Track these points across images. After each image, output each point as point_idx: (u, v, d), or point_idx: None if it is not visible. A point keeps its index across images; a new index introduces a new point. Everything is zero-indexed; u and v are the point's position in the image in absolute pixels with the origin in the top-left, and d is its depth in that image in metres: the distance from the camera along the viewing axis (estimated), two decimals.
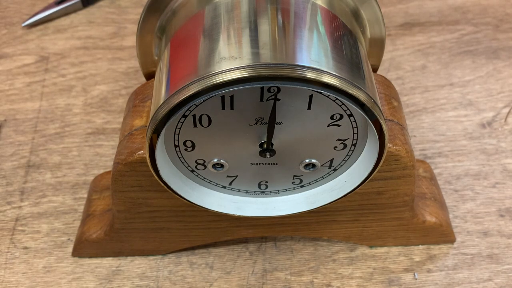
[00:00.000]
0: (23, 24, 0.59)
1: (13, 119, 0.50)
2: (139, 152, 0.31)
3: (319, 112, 0.28)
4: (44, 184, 0.45)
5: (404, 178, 0.34)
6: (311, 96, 0.27)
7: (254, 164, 0.32)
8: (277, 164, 0.32)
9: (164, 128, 0.27)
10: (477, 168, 0.46)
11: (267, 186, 0.34)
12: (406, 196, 0.35)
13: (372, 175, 0.31)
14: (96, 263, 0.40)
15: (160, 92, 0.28)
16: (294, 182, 0.33)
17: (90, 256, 0.40)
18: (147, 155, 0.29)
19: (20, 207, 0.43)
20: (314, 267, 0.40)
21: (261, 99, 0.27)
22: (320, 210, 0.35)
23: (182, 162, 0.31)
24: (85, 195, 0.44)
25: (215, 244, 0.41)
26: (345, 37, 0.29)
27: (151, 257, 0.40)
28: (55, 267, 0.40)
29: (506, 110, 0.50)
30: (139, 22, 0.34)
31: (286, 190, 0.34)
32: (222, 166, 0.31)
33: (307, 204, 0.34)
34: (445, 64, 0.54)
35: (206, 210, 0.33)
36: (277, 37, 0.27)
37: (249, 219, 0.36)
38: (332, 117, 0.29)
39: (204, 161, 0.31)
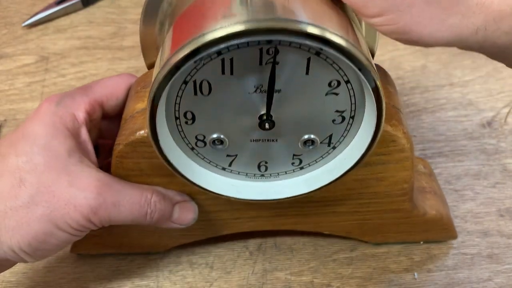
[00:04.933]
0: (23, 24, 0.59)
1: (13, 119, 0.50)
2: (139, 132, 0.31)
3: (317, 78, 0.29)
4: None
5: (402, 163, 0.34)
6: (309, 60, 0.28)
7: (253, 140, 0.32)
8: (276, 140, 0.32)
9: (166, 92, 0.27)
10: (477, 168, 0.46)
11: (266, 168, 0.34)
12: (405, 183, 0.35)
13: (371, 149, 0.31)
14: (96, 263, 0.40)
15: (162, 60, 0.28)
16: (294, 163, 0.33)
17: (89, 253, 0.40)
18: (147, 124, 0.29)
19: None
20: (314, 267, 0.40)
21: (260, 63, 0.28)
22: (320, 200, 0.35)
23: (183, 138, 0.31)
24: None
25: (215, 244, 0.41)
26: (342, 10, 0.30)
27: (151, 257, 0.40)
28: (55, 267, 0.40)
29: (506, 110, 0.50)
30: (142, 11, 0.34)
31: (286, 173, 0.34)
32: (221, 142, 0.31)
33: (306, 186, 0.34)
34: (445, 64, 0.54)
35: (206, 192, 0.33)
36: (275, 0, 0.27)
37: (249, 209, 0.36)
38: (330, 84, 0.29)
39: (204, 137, 0.31)
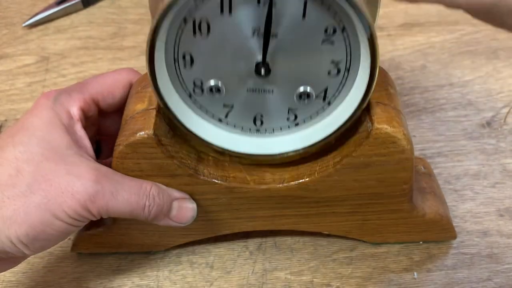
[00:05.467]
0: (24, 24, 0.59)
1: (14, 119, 0.50)
2: (140, 133, 0.32)
3: (313, 24, 0.29)
4: None
5: (402, 164, 0.34)
6: (305, 2, 0.28)
7: (250, 90, 0.32)
8: (272, 92, 0.32)
9: (165, 30, 0.28)
10: (476, 168, 0.46)
11: (262, 122, 0.34)
12: (404, 184, 0.35)
13: (363, 105, 0.31)
14: (96, 263, 0.40)
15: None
16: (289, 118, 0.34)
17: (89, 252, 0.40)
18: (146, 64, 0.29)
19: None
20: (314, 267, 0.40)
21: (258, 1, 0.28)
22: (320, 200, 0.36)
23: (181, 83, 0.32)
24: None
25: (215, 244, 0.41)
26: None
27: (152, 257, 0.40)
28: (55, 267, 0.40)
29: (505, 110, 0.50)
30: None
31: (281, 129, 0.35)
32: (218, 90, 0.32)
33: (301, 142, 0.35)
34: (444, 64, 0.54)
35: (206, 192, 0.34)
36: None
37: (248, 209, 0.36)
38: (326, 31, 0.29)
39: (202, 83, 0.32)
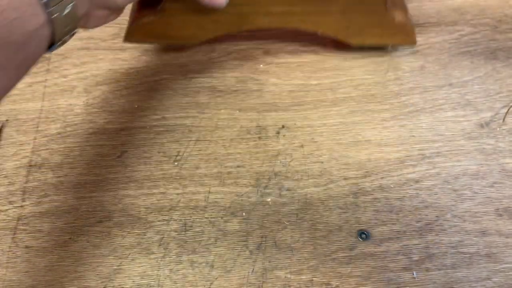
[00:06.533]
0: None
1: (15, 119, 0.50)
2: None
3: None
4: (45, 183, 0.45)
5: None
6: None
7: None
8: None
9: None
10: (475, 168, 0.46)
11: None
12: None
13: None
14: (97, 262, 0.40)
15: None
16: None
17: (140, 42, 0.52)
18: None
19: (22, 206, 0.44)
20: (313, 266, 0.40)
21: None
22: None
23: None
24: (87, 195, 0.44)
25: (215, 243, 0.41)
26: None
27: (152, 256, 0.41)
28: (56, 266, 0.40)
29: (504, 110, 0.50)
30: None
31: None
32: None
33: None
34: (443, 65, 0.54)
35: None
36: None
37: (265, 5, 0.47)
38: None
39: None
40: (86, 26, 0.36)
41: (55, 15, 0.29)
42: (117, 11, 0.38)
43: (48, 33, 0.30)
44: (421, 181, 0.45)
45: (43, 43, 0.30)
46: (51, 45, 0.32)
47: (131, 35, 0.49)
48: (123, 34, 0.60)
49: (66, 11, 0.30)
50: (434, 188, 0.44)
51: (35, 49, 0.30)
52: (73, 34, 0.33)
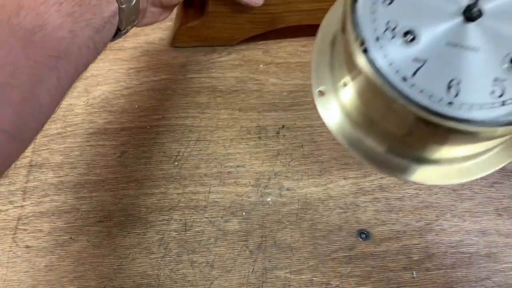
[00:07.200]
0: None
1: None
2: None
3: None
4: (46, 183, 0.45)
5: None
6: None
7: (450, 45, 0.28)
8: (477, 50, 0.27)
9: None
10: None
11: (458, 92, 0.27)
12: None
13: None
14: (97, 262, 0.40)
15: None
16: (493, 92, 0.27)
17: (185, 45, 0.54)
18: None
19: (22, 206, 0.44)
20: (313, 266, 0.40)
21: None
22: None
23: (371, 22, 0.28)
24: (87, 195, 0.44)
25: (215, 243, 0.41)
26: None
27: (153, 256, 0.41)
28: (57, 266, 0.40)
29: None
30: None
31: (481, 107, 0.27)
32: (413, 39, 0.28)
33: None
34: None
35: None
36: None
37: (299, 2, 0.50)
38: None
39: (396, 26, 0.28)
40: (139, 23, 0.39)
41: (124, 5, 0.33)
42: (168, 9, 0.42)
43: (117, 21, 0.34)
44: None
45: (112, 30, 0.34)
46: (115, 34, 0.35)
47: (177, 39, 0.53)
48: None
49: (133, 3, 0.34)
50: (434, 188, 0.44)
51: (107, 33, 0.33)
52: (132, 27, 0.37)
